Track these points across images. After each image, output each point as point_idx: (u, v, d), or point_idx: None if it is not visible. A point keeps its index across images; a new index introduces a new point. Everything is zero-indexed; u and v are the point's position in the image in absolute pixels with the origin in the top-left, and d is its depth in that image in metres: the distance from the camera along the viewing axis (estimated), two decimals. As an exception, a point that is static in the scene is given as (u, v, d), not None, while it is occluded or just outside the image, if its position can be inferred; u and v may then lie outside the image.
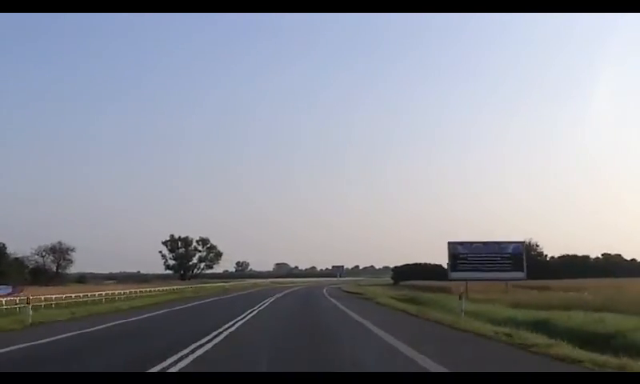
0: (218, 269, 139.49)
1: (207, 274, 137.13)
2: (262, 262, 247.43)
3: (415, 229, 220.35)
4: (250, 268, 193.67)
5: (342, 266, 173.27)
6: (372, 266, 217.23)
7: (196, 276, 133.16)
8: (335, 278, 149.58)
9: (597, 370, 9.92)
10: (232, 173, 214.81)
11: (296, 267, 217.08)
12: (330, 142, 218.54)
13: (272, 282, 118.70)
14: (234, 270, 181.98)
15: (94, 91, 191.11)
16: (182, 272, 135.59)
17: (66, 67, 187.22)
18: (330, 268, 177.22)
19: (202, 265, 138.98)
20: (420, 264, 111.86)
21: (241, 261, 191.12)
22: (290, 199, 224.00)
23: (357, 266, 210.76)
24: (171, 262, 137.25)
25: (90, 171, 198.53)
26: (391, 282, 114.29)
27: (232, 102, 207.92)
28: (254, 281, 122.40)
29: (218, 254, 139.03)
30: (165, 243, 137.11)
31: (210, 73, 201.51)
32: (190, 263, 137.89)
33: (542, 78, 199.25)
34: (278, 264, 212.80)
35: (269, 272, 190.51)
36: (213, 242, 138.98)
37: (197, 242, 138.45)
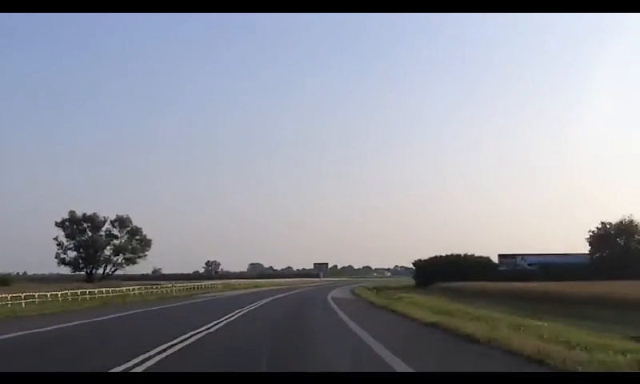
0: (143, 265, 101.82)
1: (134, 274, 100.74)
2: (234, 262, 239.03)
3: (395, 229, 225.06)
4: (221, 268, 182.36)
5: (326, 264, 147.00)
6: (350, 266, 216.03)
7: (108, 276, 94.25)
8: (318, 279, 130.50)
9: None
10: (205, 171, 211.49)
11: (271, 267, 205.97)
12: (306, 141, 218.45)
13: (245, 284, 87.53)
14: (202, 270, 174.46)
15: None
16: (87, 270, 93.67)
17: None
18: (308, 267, 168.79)
19: (119, 258, 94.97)
20: (456, 256, 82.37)
21: (210, 260, 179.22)
22: (265, 198, 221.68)
23: (335, 266, 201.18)
24: (71, 254, 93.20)
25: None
26: (411, 282, 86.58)
27: (207, 101, 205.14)
28: (224, 282, 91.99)
29: (145, 243, 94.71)
30: (61, 225, 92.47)
31: (186, 71, 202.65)
32: (100, 256, 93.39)
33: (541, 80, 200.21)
34: (252, 264, 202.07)
35: (242, 272, 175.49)
36: (137, 225, 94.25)
37: (112, 222, 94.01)
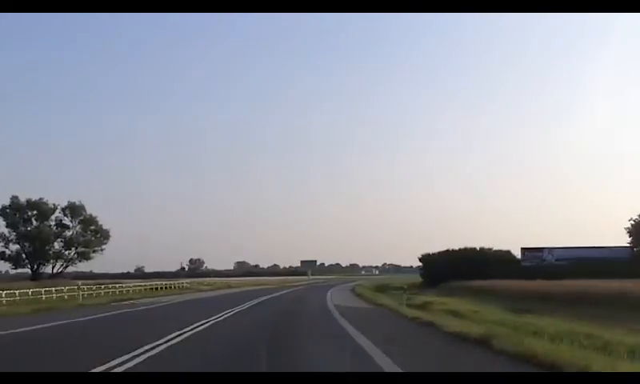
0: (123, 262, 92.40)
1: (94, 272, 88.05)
2: (220, 260, 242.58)
3: (383, 227, 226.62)
4: (205, 266, 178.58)
5: (314, 262, 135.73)
6: (338, 264, 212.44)
7: (58, 274, 79.12)
8: (306, 277, 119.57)
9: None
10: (192, 169, 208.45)
11: (257, 265, 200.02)
12: (292, 139, 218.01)
13: (228, 284, 73.25)
14: (185, 267, 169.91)
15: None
16: (33, 267, 79.05)
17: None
18: (295, 265, 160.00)
19: (72, 252, 78.90)
20: (471, 250, 69.41)
21: (194, 258, 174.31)
22: (251, 196, 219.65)
23: (322, 264, 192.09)
24: (13, 247, 78.22)
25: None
26: (411, 279, 74.77)
27: (194, 99, 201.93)
28: (209, 280, 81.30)
29: (102, 235, 79.41)
30: (1, 213, 78.17)
31: (174, 70, 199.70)
32: (49, 250, 77.56)
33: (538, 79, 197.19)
34: (238, 262, 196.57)
35: (228, 270, 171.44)
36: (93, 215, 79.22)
37: (63, 210, 79.24)
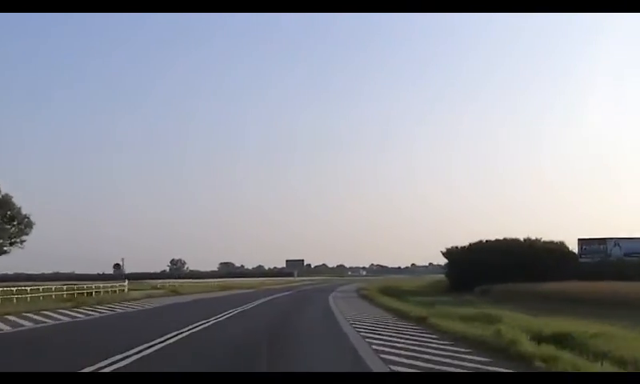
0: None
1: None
2: (205, 261, 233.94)
3: (369, 227, 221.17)
4: (186, 267, 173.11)
5: (301, 261, 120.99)
6: (324, 265, 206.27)
7: None
8: (292, 278, 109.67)
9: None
10: (174, 170, 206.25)
11: (242, 266, 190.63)
12: (278, 138, 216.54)
13: (174, 289, 53.99)
14: (167, 269, 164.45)
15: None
16: None
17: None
18: (280, 266, 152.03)
19: None
20: (512, 241, 53.06)
21: (176, 258, 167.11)
22: (235, 196, 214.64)
23: (309, 265, 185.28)
24: None
25: None
26: (440, 279, 60.81)
27: (175, 98, 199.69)
28: (161, 283, 66.37)
29: (25, 224, 60.48)
30: None
31: (154, 68, 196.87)
32: None
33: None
34: (223, 263, 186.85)
35: (212, 272, 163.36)
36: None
37: None
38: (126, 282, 51.38)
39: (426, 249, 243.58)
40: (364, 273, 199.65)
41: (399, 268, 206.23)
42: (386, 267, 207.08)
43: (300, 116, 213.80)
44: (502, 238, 54.09)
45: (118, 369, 10.25)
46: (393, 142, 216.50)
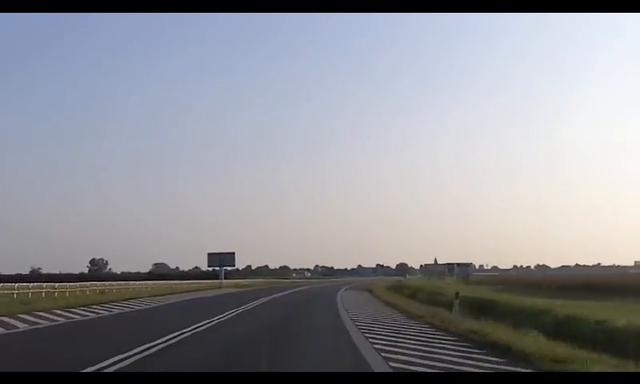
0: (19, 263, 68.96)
1: None
2: (137, 262, 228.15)
3: (314, 227, 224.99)
4: (109, 267, 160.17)
5: (232, 254, 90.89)
6: (266, 266, 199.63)
7: None
8: (217, 281, 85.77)
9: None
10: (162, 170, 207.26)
11: (177, 268, 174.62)
12: (266, 138, 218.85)
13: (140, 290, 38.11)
14: (86, 269, 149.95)
15: None
16: None
17: None
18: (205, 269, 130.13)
19: None
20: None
21: (97, 258, 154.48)
22: (171, 196, 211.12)
23: (249, 266, 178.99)
24: None
25: None
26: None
27: (164, 97, 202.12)
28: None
29: None
30: None
31: (136, 71, 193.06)
32: None
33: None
34: (156, 264, 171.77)
35: (140, 274, 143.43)
36: None
37: None
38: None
39: (374, 252, 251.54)
40: (308, 274, 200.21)
41: (346, 269, 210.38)
42: (332, 269, 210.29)
43: (289, 117, 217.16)
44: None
45: None
46: (384, 143, 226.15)
